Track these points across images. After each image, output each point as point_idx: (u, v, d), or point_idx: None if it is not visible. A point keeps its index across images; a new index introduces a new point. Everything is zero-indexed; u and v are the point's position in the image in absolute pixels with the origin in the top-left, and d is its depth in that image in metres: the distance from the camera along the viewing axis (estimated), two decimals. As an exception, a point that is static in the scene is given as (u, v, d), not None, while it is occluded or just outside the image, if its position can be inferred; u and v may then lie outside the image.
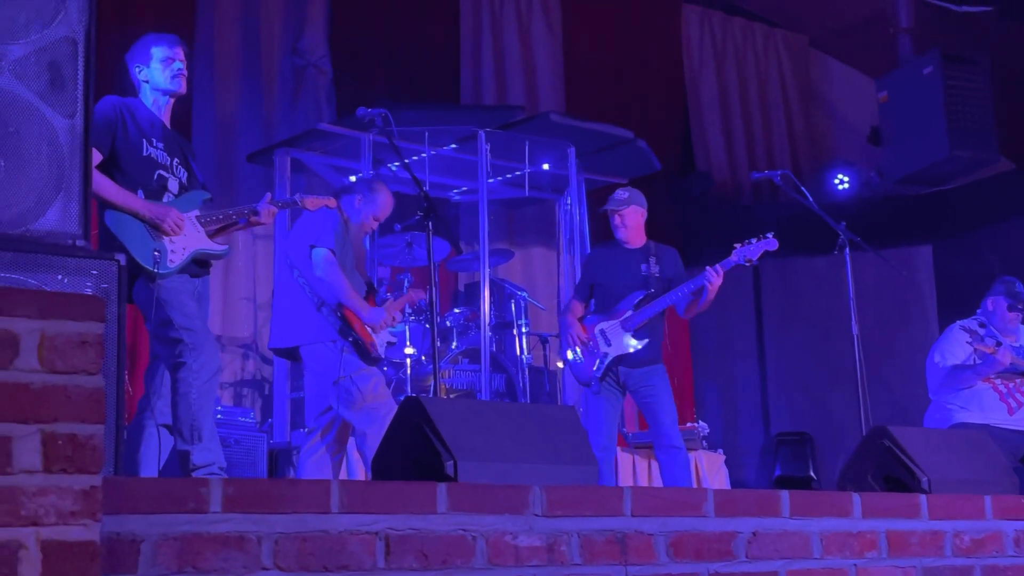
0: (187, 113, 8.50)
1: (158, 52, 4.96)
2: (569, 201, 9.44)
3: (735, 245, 6.44)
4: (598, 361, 6.49)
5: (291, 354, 5.83)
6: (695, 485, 7.68)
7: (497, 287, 8.78)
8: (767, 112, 12.16)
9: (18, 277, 3.42)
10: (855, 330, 6.52)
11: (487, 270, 8.41)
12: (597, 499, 2.91)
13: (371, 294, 5.93)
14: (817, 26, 12.33)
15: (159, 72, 4.96)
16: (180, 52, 5.00)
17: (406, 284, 7.60)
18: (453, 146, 8.87)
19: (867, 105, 11.14)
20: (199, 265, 4.93)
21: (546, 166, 9.27)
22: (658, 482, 7.50)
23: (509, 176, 9.37)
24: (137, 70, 4.99)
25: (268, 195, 5.25)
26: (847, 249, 6.66)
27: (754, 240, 6.44)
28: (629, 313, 6.47)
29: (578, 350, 6.56)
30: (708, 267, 6.35)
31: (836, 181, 11.01)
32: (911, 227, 10.18)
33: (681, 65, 11.82)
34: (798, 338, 10.40)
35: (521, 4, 10.80)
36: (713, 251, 6.50)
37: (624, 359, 6.46)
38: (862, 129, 11.20)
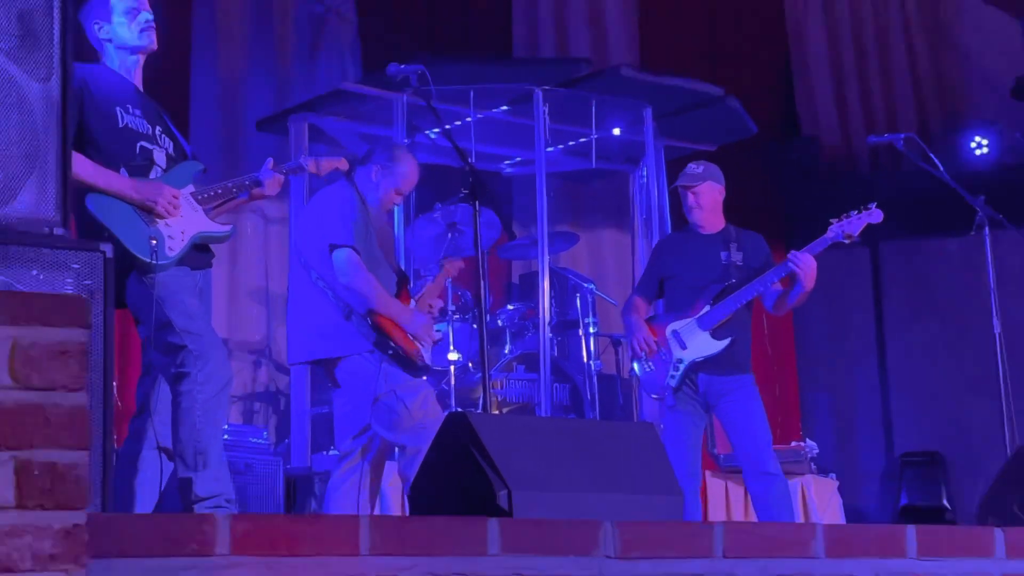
0: (183, 74, 8.54)
1: (119, 4, 4.96)
2: (645, 173, 9.41)
3: (831, 220, 6.37)
4: (671, 369, 6.45)
5: (320, 366, 5.87)
6: (800, 518, 7.65)
7: (559, 278, 8.79)
8: (887, 63, 12.04)
9: (-16, 273, 3.46)
10: (997, 328, 6.47)
11: (546, 258, 8.41)
12: (682, 537, 2.91)
13: (403, 286, 5.94)
14: (950, -44, 12.22)
15: (123, 27, 4.96)
16: (145, 1, 5.02)
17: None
18: (504, 108, 8.89)
19: (1011, 51, 11.03)
20: (200, 252, 4.94)
21: (617, 131, 9.25)
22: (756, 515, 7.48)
23: (572, 144, 9.37)
24: (96, 28, 4.97)
25: (270, 160, 5.26)
26: (986, 228, 6.60)
27: (854, 212, 6.36)
28: (706, 309, 6.42)
29: (647, 357, 6.51)
30: (792, 251, 6.31)
31: (973, 145, 10.90)
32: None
33: (782, 9, 11.76)
34: (927, 338, 10.31)
35: (586, -65, 10.78)
36: (822, 233, 6.45)
37: (704, 365, 6.41)
38: (1005, 81, 11.08)
